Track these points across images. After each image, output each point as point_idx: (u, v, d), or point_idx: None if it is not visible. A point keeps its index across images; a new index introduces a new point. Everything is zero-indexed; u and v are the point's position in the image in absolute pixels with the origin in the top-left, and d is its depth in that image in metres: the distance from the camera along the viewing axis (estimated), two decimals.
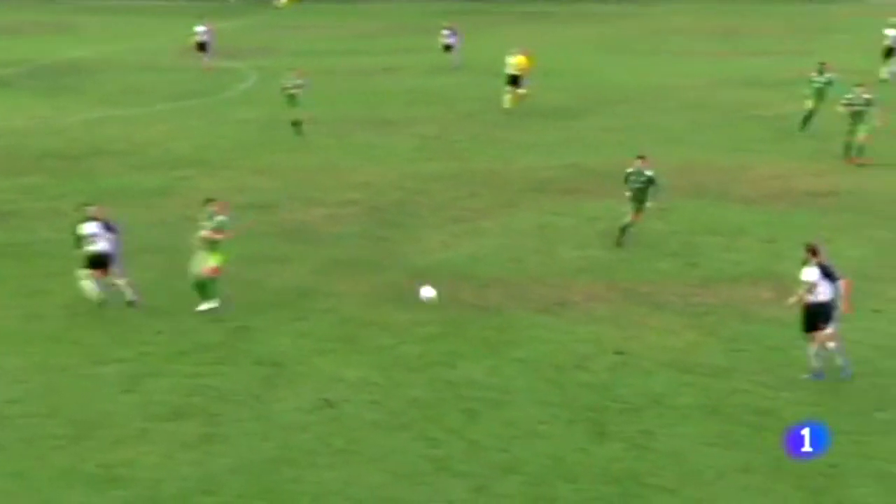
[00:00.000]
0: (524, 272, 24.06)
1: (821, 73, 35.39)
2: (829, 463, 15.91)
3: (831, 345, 18.34)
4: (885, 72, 44.96)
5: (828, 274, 18.09)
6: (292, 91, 37.39)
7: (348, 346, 20.18)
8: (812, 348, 18.42)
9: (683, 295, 22.63)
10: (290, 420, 17.30)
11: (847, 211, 28.34)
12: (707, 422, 17.24)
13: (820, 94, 35.30)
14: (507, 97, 40.97)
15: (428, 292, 20.56)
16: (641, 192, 25.08)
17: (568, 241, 26.13)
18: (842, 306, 18.24)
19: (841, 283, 18.19)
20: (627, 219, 25.26)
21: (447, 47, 52.71)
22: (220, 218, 21.83)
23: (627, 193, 25.26)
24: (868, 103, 32.12)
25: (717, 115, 40.26)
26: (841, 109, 32.51)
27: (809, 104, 35.43)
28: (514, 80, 41.24)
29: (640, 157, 25.41)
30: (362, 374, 18.91)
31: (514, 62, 41.33)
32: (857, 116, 32.13)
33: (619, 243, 25.31)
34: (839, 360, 18.43)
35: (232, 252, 22.38)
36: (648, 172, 25.04)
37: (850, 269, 23.94)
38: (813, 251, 18.20)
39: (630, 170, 25.32)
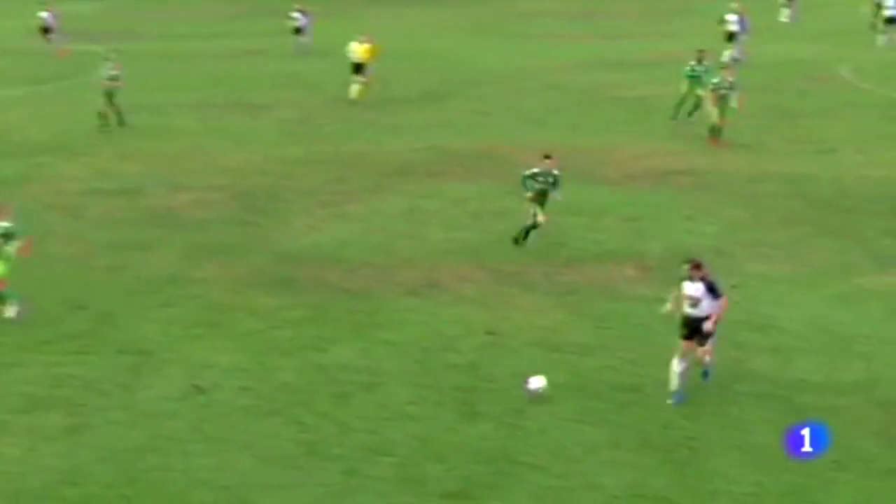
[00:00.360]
0: (392, 255, 24.13)
1: (699, 61, 35.63)
2: (692, 436, 16.38)
3: (707, 359, 17.75)
4: (727, 55, 45.86)
5: (712, 290, 17.41)
6: (110, 84, 35.18)
7: (217, 331, 20.01)
8: (678, 365, 17.43)
9: (550, 275, 22.97)
10: (159, 408, 17.11)
11: (705, 189, 29.05)
12: (575, 399, 17.55)
13: (698, 83, 35.40)
14: (354, 87, 40.18)
15: (537, 383, 17.62)
16: (544, 193, 23.99)
17: (435, 224, 26.28)
18: (713, 317, 17.45)
19: (722, 300, 17.51)
20: (538, 220, 23.91)
21: (297, 30, 51.83)
22: (5, 224, 20.36)
23: (528, 194, 23.95)
24: (731, 86, 32.94)
25: (580, 97, 40.81)
26: (709, 95, 33.20)
27: (683, 88, 35.56)
28: (359, 69, 40.47)
29: (547, 157, 24.02)
30: (232, 359, 18.78)
31: (359, 50, 40.51)
32: (723, 100, 32.91)
33: (518, 242, 24.24)
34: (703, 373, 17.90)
35: (95, 239, 22.00)
36: (556, 172, 23.94)
37: (709, 245, 24.72)
38: (696, 266, 17.47)
39: (535, 170, 24.04)
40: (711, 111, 33.02)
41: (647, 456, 15.83)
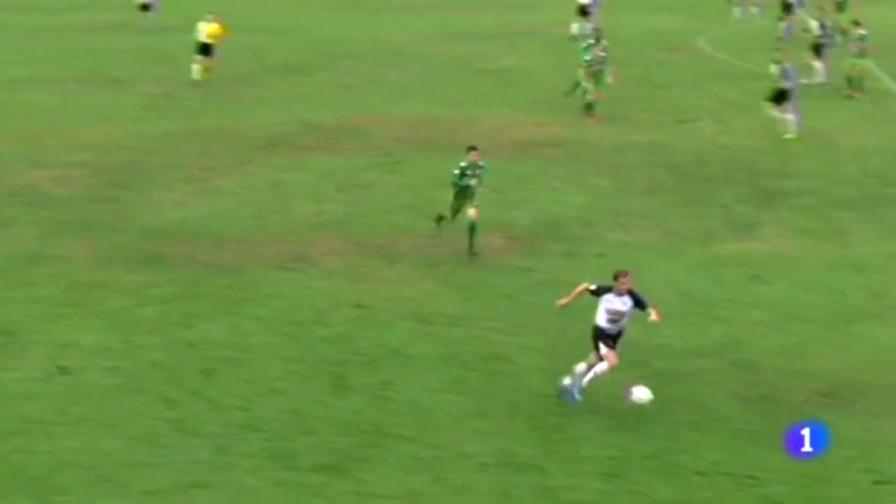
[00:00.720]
0: (260, 229, 24.00)
1: (597, 40, 35.87)
2: (559, 402, 16.67)
3: (587, 373, 16.47)
4: (575, 28, 46.40)
5: (638, 302, 16.36)
6: None
7: (82, 310, 19.68)
8: (580, 367, 16.54)
9: (417, 246, 23.10)
10: (22, 390, 16.77)
11: (570, 160, 29.48)
12: (444, 369, 17.73)
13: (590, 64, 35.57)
14: (196, 67, 38.73)
15: (642, 393, 16.26)
16: (470, 188, 22.33)
17: (303, 197, 26.20)
18: (655, 317, 16.50)
19: (651, 310, 16.46)
20: (470, 214, 22.19)
21: (144, 6, 50.01)
22: None
23: (458, 187, 22.33)
24: (604, 61, 33.46)
25: (443, 69, 40.97)
26: (583, 72, 33.57)
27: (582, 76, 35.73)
28: (206, 49, 38.92)
29: (473, 149, 22.51)
30: (98, 338, 18.50)
31: (206, 30, 39.27)
32: (597, 75, 33.38)
33: (437, 225, 22.89)
34: (576, 385, 16.52)
35: None
36: (482, 163, 22.40)
37: (574, 215, 25.15)
38: (627, 276, 16.27)
39: (463, 164, 22.32)
40: (588, 87, 33.40)
41: (515, 423, 16.07)
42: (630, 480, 14.67)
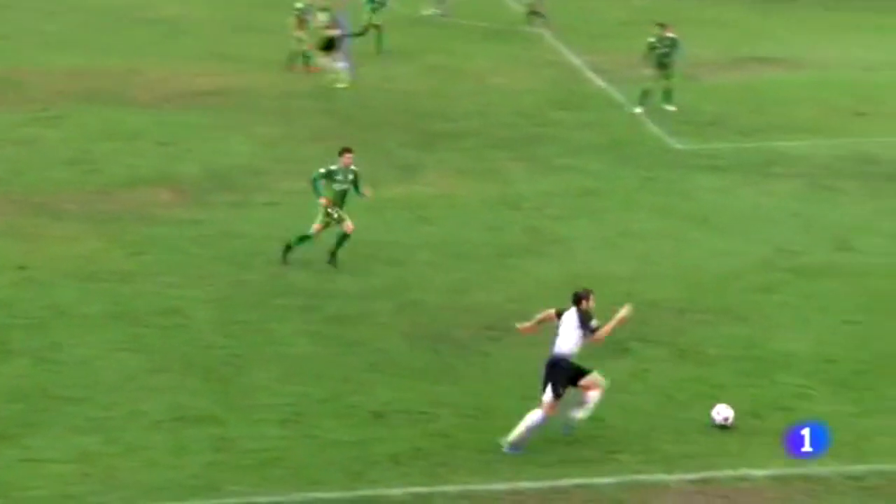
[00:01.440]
0: None
1: None
2: (235, 353, 16.73)
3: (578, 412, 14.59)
4: None
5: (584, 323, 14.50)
6: None
7: None
8: (536, 420, 14.32)
9: (83, 203, 22.51)
10: None
11: (237, 109, 29.28)
12: (115, 328, 17.43)
13: (374, 9, 35.47)
14: None
15: (727, 412, 15.03)
16: (344, 195, 20.01)
17: None
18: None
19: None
20: (344, 227, 19.78)
21: None
22: None
23: (322, 199, 19.74)
24: (311, 10, 33.34)
25: (104, 19, 39.64)
26: (293, 21, 33.19)
27: (372, 20, 35.50)
28: None
29: (347, 151, 20.10)
30: None
31: None
32: (305, 24, 33.13)
33: (286, 255, 19.89)
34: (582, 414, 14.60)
35: None
36: (355, 168, 20.08)
37: (243, 164, 25.09)
38: (585, 298, 14.48)
39: (332, 167, 19.95)
40: (301, 37, 32.95)
41: (190, 377, 15.99)
42: (308, 425, 14.92)
